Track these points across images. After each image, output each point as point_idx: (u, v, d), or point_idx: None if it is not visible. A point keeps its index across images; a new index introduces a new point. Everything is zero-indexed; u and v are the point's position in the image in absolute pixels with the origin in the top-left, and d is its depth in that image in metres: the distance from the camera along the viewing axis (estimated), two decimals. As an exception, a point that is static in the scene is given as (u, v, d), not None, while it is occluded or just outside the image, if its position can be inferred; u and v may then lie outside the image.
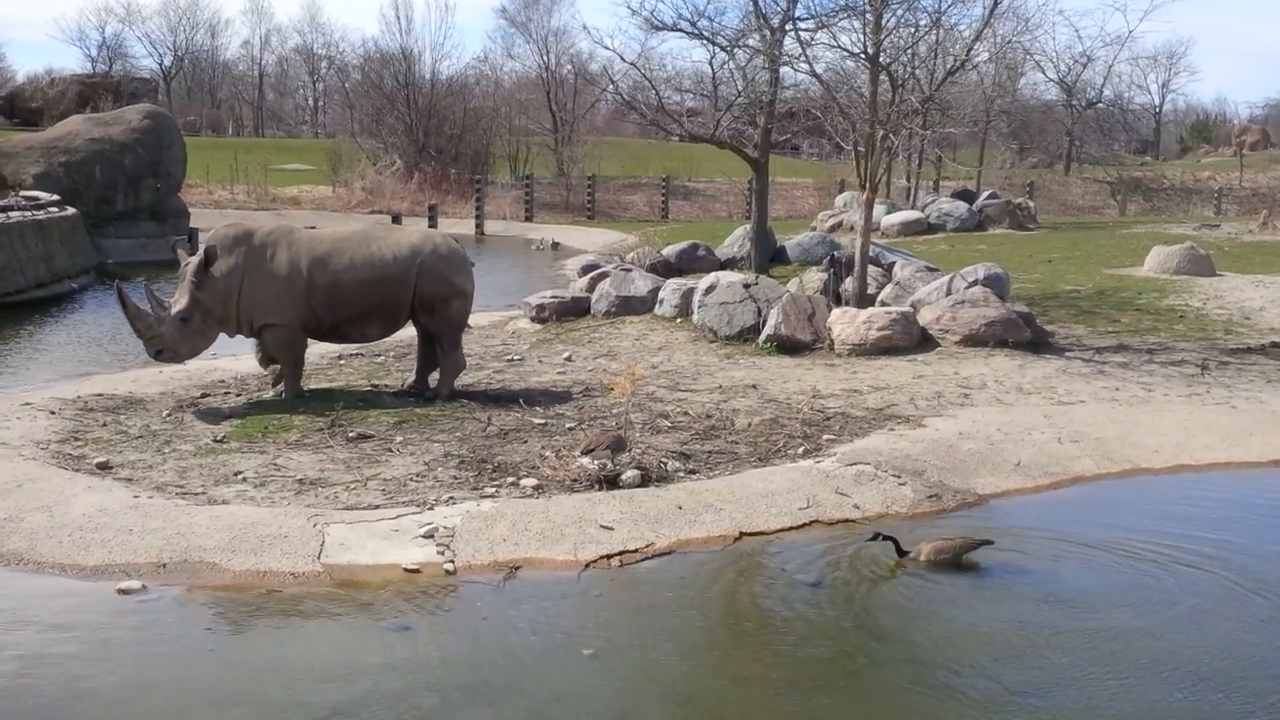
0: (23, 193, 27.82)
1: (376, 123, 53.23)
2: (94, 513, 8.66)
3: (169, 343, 11.98)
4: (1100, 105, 58.08)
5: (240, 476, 9.71)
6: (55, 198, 26.98)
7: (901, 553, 8.31)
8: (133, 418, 11.78)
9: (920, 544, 8.37)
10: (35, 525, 8.52)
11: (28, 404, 12.12)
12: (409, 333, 13.38)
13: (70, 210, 26.33)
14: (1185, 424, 11.95)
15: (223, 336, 12.85)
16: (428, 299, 12.44)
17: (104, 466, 9.91)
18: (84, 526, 8.45)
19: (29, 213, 24.16)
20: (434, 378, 12.91)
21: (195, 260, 11.98)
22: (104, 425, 11.43)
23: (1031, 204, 37.78)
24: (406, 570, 7.93)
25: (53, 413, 11.75)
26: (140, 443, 10.79)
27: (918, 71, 18.25)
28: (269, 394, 12.69)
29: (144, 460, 10.19)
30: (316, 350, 14.85)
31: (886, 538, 8.39)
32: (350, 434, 11.01)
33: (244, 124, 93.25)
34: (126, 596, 7.54)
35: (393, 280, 12.33)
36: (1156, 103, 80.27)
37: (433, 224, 35.95)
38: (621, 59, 21.07)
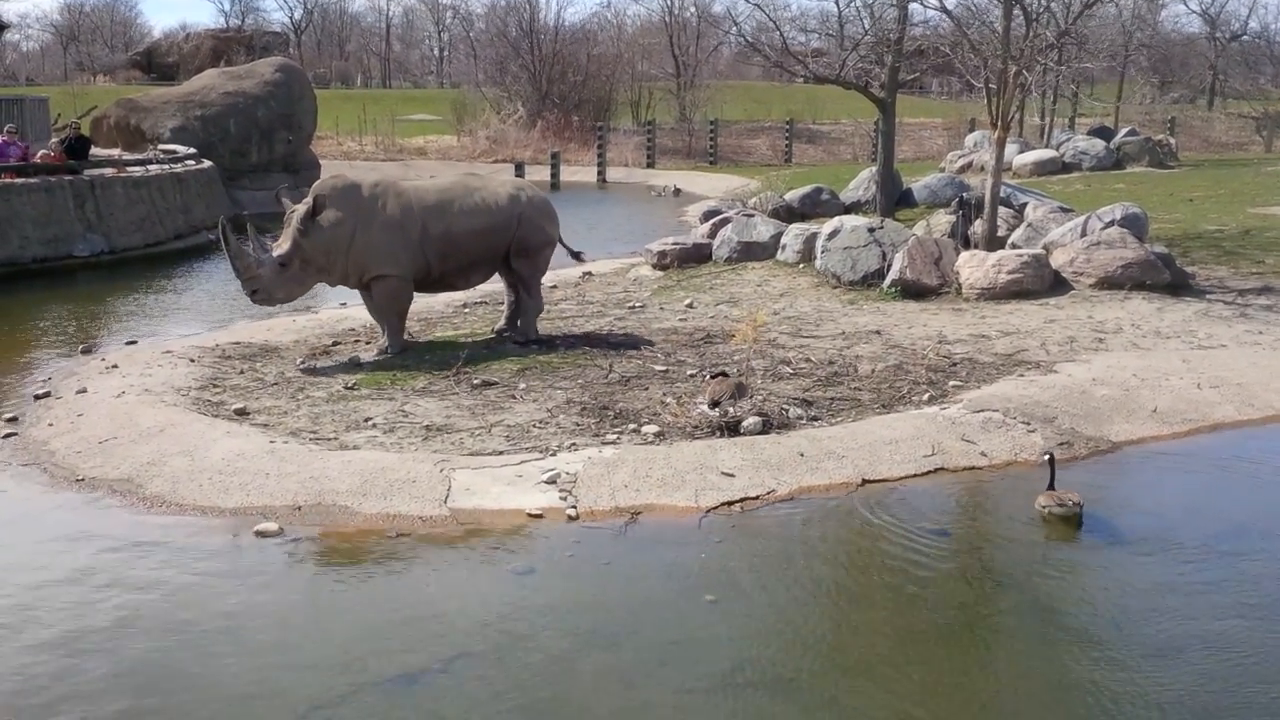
0: (161, 146, 28.79)
1: (500, 71, 53.53)
2: (232, 457, 8.97)
3: (265, 285, 11.92)
4: (1245, 37, 55.51)
5: (370, 422, 9.94)
6: (192, 151, 27.82)
7: (1051, 485, 8.13)
8: (268, 365, 12.14)
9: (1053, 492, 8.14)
10: (177, 469, 8.87)
11: (168, 352, 12.58)
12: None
13: (206, 163, 27.15)
14: (1336, 369, 11.40)
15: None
16: (524, 246, 12.79)
17: (241, 412, 10.25)
18: (223, 470, 8.76)
19: (167, 166, 24.98)
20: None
21: (302, 208, 11.97)
22: (241, 373, 11.81)
23: (1172, 141, 36.32)
24: (530, 515, 8.04)
25: (192, 360, 12.18)
26: (275, 390, 11.12)
27: (1053, 4, 17.55)
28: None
29: (279, 406, 10.50)
30: (441, 299, 15.11)
31: (1051, 462, 8.24)
32: (475, 381, 11.18)
33: (371, 76, 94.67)
34: (264, 538, 7.80)
35: (499, 228, 12.63)
36: (1307, 34, 76.14)
37: (555, 171, 36.06)
38: (745, 0, 20.75)
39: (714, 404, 9.87)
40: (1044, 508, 8.00)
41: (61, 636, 6.46)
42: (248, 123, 31.94)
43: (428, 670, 6.09)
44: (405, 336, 12.75)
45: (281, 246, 11.97)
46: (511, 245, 12.73)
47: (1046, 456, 8.34)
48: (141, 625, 6.60)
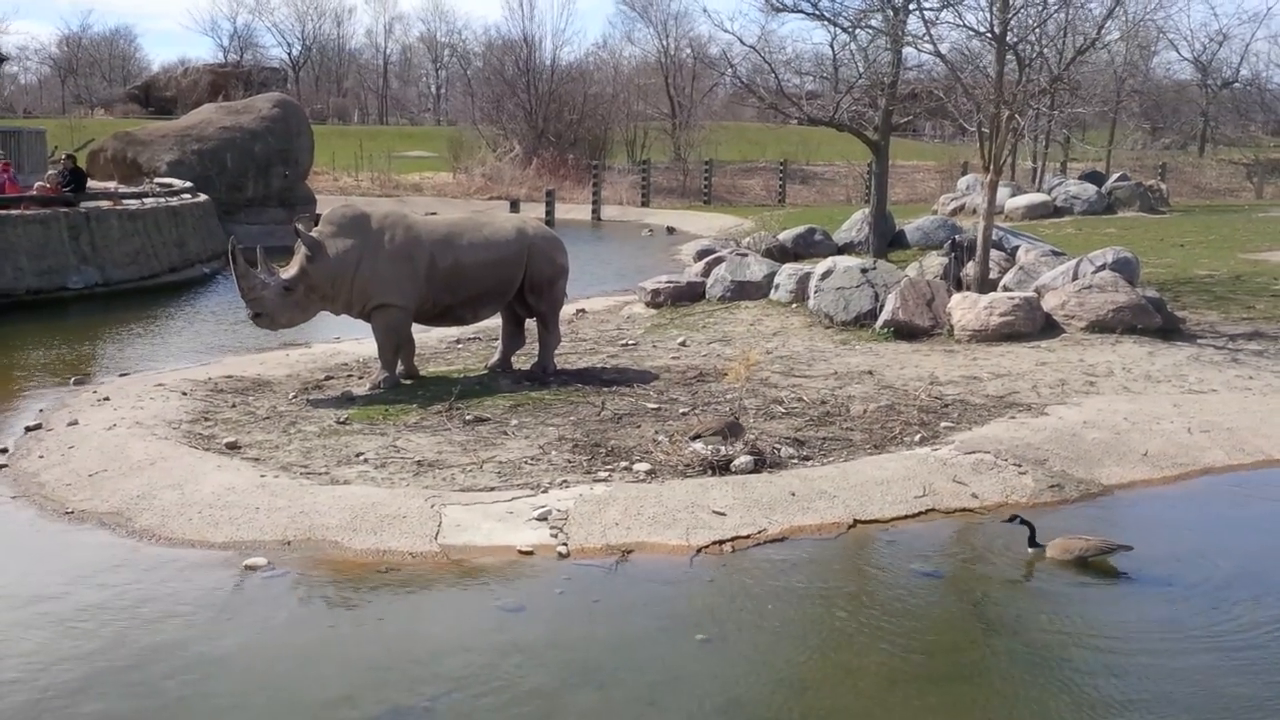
0: (157, 180, 28.90)
1: (497, 109, 53.92)
2: (223, 491, 8.94)
3: (268, 307, 11.93)
4: (1236, 85, 55.96)
5: (362, 457, 9.92)
6: (188, 185, 27.94)
7: (1034, 544, 8.09)
8: (260, 399, 12.13)
9: (1054, 539, 8.10)
10: (167, 502, 8.83)
11: (160, 385, 12.57)
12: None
13: (203, 197, 27.23)
14: (1326, 415, 11.43)
15: (346, 322, 13.17)
16: (538, 279, 12.85)
17: (233, 446, 10.22)
18: (213, 504, 8.73)
19: (163, 199, 25.05)
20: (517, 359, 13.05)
21: (310, 235, 12.13)
22: (233, 406, 11.79)
23: (1163, 186, 36.57)
24: (521, 552, 8.02)
25: (184, 394, 12.17)
26: (267, 424, 11.10)
27: (1046, 50, 17.79)
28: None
29: (270, 441, 10.48)
30: (435, 335, 15.14)
31: (1024, 522, 8.19)
32: (467, 417, 11.17)
33: (369, 112, 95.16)
34: (253, 573, 7.76)
35: (509, 261, 12.67)
36: (1296, 82, 76.76)
37: (550, 209, 36.31)
38: (741, 42, 21.20)
39: (695, 436, 9.88)
40: (1082, 554, 7.91)
41: (42, 667, 6.41)
42: (244, 157, 32.09)
43: (415, 707, 6.04)
44: (402, 369, 12.75)
45: (289, 271, 12.07)
46: (525, 280, 12.80)
47: (1009, 519, 8.31)
48: (125, 658, 6.55)
